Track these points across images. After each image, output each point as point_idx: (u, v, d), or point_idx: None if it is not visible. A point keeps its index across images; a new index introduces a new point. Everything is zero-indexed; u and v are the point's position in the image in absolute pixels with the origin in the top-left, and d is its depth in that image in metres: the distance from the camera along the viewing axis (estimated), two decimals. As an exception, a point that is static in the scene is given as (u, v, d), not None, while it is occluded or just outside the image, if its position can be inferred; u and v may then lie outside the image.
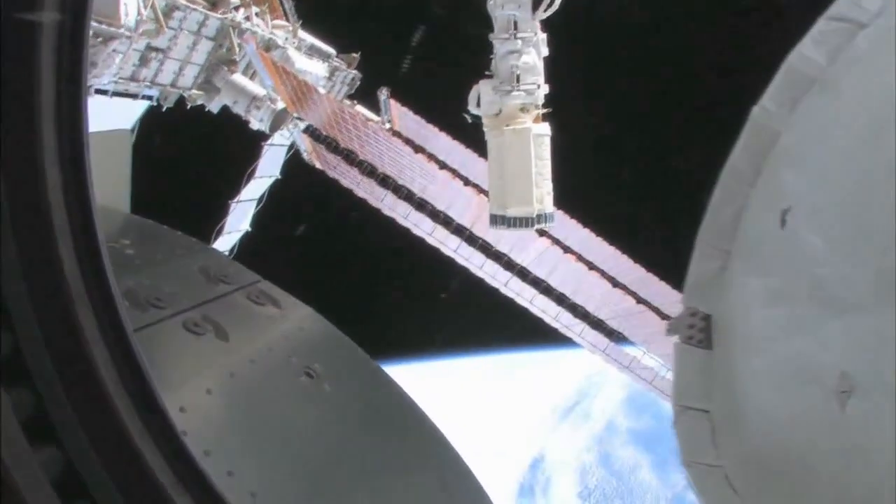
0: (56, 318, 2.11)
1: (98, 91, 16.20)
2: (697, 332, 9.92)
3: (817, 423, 5.30)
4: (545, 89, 13.24)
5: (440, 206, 21.10)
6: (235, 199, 21.81)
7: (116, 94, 16.95)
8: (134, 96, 17.71)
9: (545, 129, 12.94)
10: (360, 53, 26.17)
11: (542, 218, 12.63)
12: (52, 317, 2.10)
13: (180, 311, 4.10)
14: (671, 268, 23.55)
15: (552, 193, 13.00)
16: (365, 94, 25.79)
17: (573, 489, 74.44)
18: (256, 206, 23.25)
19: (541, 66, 13.20)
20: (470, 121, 13.49)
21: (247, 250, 22.84)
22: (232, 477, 3.20)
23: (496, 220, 12.81)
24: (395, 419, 4.97)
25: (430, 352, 75.66)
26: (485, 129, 13.20)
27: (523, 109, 12.89)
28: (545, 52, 13.32)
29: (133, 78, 16.98)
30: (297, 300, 5.21)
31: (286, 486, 3.57)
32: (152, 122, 18.77)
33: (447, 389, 79.38)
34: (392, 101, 24.33)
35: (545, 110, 13.17)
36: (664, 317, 21.25)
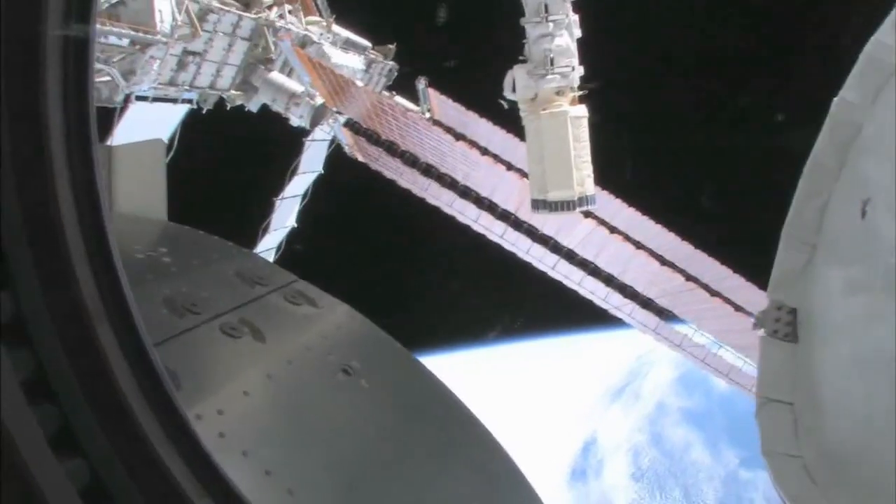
0: (75, 335, 2.15)
1: (139, 98, 16.40)
2: (784, 326, 9.82)
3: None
4: (580, 71, 13.16)
5: (484, 193, 21.08)
6: (280, 197, 21.96)
7: (157, 99, 17.13)
8: (174, 101, 17.89)
9: (582, 111, 12.87)
10: (395, 44, 26.16)
11: (583, 200, 12.57)
12: (71, 334, 2.14)
13: (217, 315, 4.14)
14: (719, 244, 23.40)
15: (592, 175, 12.94)
16: (403, 85, 25.80)
17: (626, 470, 74.14)
18: (301, 202, 23.39)
19: (574, 47, 13.12)
20: (506, 107, 13.46)
21: (294, 246, 23.05)
22: (269, 476, 3.24)
23: (538, 204, 12.78)
24: (433, 412, 4.98)
25: (484, 339, 75.81)
26: (521, 114, 13.15)
27: (559, 93, 12.82)
28: (578, 33, 13.23)
29: (172, 83, 17.17)
30: (335, 298, 5.24)
31: (324, 482, 3.61)
32: (194, 126, 18.93)
33: (500, 376, 79.56)
34: (431, 90, 24.34)
35: (581, 92, 13.12)
36: (713, 293, 21.11)
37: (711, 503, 71.03)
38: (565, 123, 12.62)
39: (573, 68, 13.05)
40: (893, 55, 8.93)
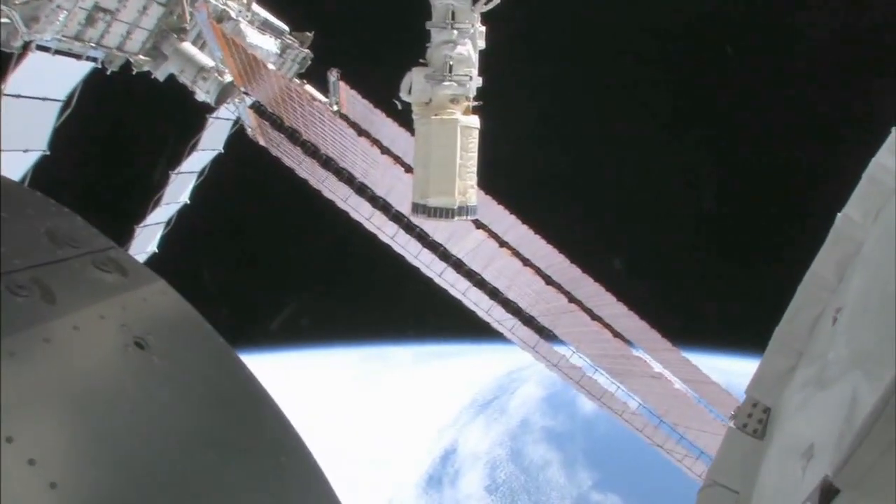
0: None
1: (40, 47, 15.96)
2: (754, 422, 10.13)
3: (791, 493, 5.40)
4: (478, 82, 13.20)
5: (380, 192, 21.06)
6: (176, 171, 21.60)
7: (59, 52, 16.69)
8: (78, 57, 17.43)
9: (474, 121, 12.88)
10: (313, 33, 25.92)
11: (463, 210, 12.58)
12: None
13: (9, 272, 3.99)
14: (606, 270, 23.71)
15: (476, 187, 12.98)
16: (316, 75, 25.61)
17: (481, 482, 75.06)
18: (197, 179, 23.05)
19: (476, 58, 13.14)
20: (400, 107, 13.44)
21: (183, 223, 22.68)
22: (33, 466, 3.08)
23: (417, 208, 12.76)
24: (231, 401, 4.87)
25: (361, 338, 75.94)
26: (414, 116, 13.12)
27: (454, 100, 12.83)
28: (482, 45, 13.27)
29: (78, 37, 16.71)
30: (152, 272, 5.10)
31: (94, 470, 3.46)
32: (95, 85, 18.50)
33: (374, 377, 79.88)
34: (342, 84, 24.19)
35: (476, 103, 13.14)
36: (594, 317, 21.37)
37: (560, 522, 72.15)
38: (455, 131, 12.64)
39: (471, 78, 13.09)
40: (892, 177, 9.25)
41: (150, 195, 21.11)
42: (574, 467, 76.53)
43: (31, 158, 17.12)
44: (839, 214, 10.29)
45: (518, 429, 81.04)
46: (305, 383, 75.26)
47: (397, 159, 21.63)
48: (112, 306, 4.33)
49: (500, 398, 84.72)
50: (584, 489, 74.70)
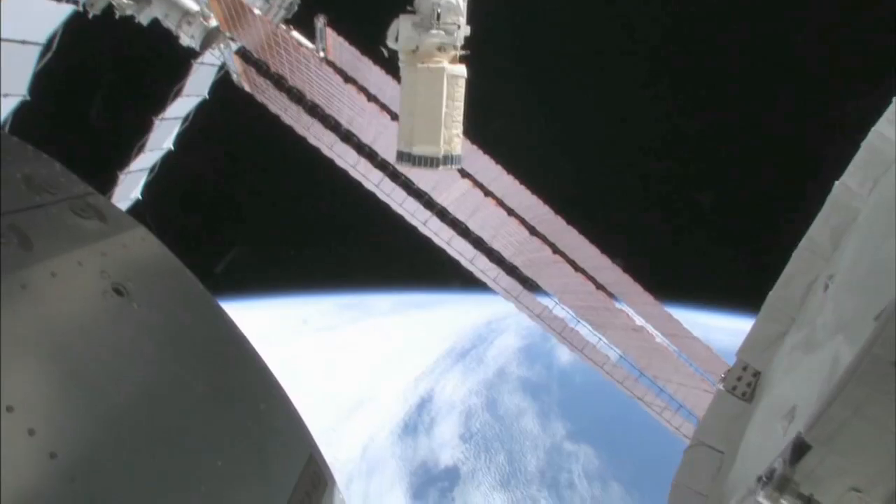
0: None
1: (19, -12, 15.71)
2: (743, 385, 10.28)
3: (772, 453, 5.47)
4: (466, 31, 13.09)
5: (366, 140, 21.01)
6: (160, 117, 21.40)
7: (39, -7, 16.47)
8: (57, -1, 17.19)
9: (461, 70, 12.81)
10: (301, -23, 25.62)
11: (448, 159, 12.55)
12: None
13: (-19, 220, 3.96)
14: (592, 222, 23.73)
15: (462, 136, 12.94)
16: (303, 21, 25.35)
17: (456, 430, 75.78)
18: (181, 125, 22.85)
19: (464, 6, 13.04)
20: (387, 55, 13.32)
21: (168, 170, 22.50)
22: (11, 413, 3.07)
23: (402, 156, 12.73)
24: (211, 348, 4.88)
25: (342, 286, 76.15)
26: (400, 64, 13.02)
27: (441, 49, 12.72)
28: (472, -7, 13.19)
29: (59, -21, 16.49)
30: (132, 218, 5.07)
31: (72, 416, 3.46)
32: (76, 29, 18.25)
33: (354, 324, 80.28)
34: (329, 30, 23.97)
35: (464, 52, 13.05)
36: (578, 269, 21.44)
37: (532, 470, 72.95)
38: (441, 80, 12.57)
39: (459, 27, 12.98)
40: (892, 147, 9.25)
41: (133, 142, 20.95)
42: (548, 417, 77.35)
43: (11, 104, 16.91)
44: (836, 182, 10.36)
45: (494, 378, 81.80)
46: (286, 330, 75.60)
47: (384, 107, 21.51)
48: (91, 253, 4.32)
49: (478, 348, 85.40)
50: (558, 439, 75.59)
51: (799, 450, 4.75)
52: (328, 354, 76.85)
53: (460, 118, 12.98)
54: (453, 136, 12.76)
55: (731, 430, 9.04)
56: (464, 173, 20.41)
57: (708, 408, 10.74)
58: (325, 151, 21.40)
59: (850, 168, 10.21)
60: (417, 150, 12.60)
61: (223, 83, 22.96)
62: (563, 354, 77.75)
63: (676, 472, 10.20)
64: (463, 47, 13.13)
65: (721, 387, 10.73)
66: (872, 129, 10.15)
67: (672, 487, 10.10)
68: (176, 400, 4.11)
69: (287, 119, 21.87)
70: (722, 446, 9.39)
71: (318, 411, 65.94)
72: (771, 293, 10.68)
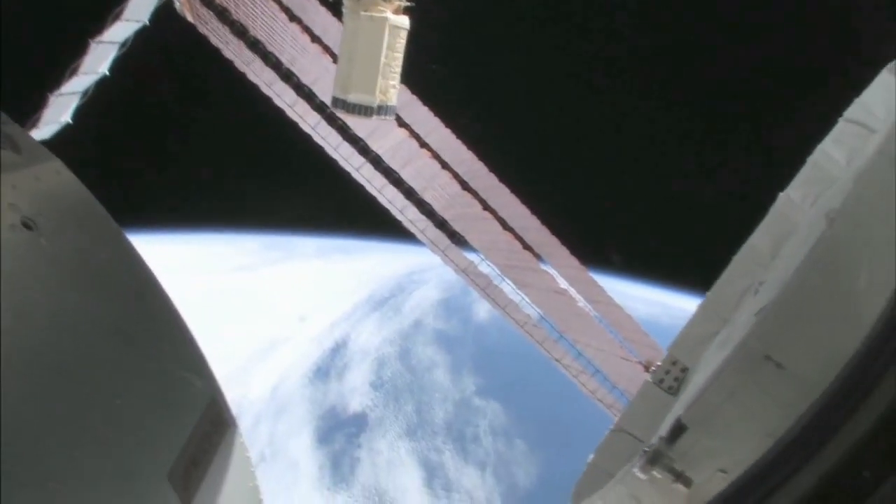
0: None
1: None
2: (671, 380, 10.51)
3: None
4: (411, -19, 13.11)
5: (306, 81, 20.84)
6: (97, 39, 20.92)
7: None
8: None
9: (403, 21, 12.84)
10: None
11: (382, 109, 12.62)
12: None
13: None
14: (525, 182, 23.87)
15: (398, 88, 12.99)
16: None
17: (367, 378, 76.23)
18: (119, 50, 22.36)
19: (407, -43, 13.06)
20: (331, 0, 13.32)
21: (100, 97, 22.02)
22: None
23: (336, 102, 12.77)
24: (119, 287, 4.91)
25: (266, 225, 75.82)
26: (343, 10, 13.02)
27: (386, -1, 12.76)
28: (417, -57, 13.16)
29: None
30: (47, 150, 5.04)
31: None
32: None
33: (276, 265, 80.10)
34: (277, -34, 23.68)
35: (408, 3, 13.05)
36: (507, 228, 21.65)
37: (438, 422, 73.79)
38: (382, 29, 12.59)
39: (405, -23, 12.99)
40: (836, 166, 9.48)
41: (66, 64, 20.46)
42: (460, 371, 78.02)
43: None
44: (780, 194, 10.73)
45: (410, 329, 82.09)
46: (205, 268, 75.07)
47: (327, 49, 21.35)
48: (3, 185, 4.30)
49: (397, 297, 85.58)
50: (467, 394, 76.31)
51: (677, 430, 5.00)
52: (244, 294, 76.53)
53: (399, 69, 13.03)
54: (390, 87, 12.82)
55: (653, 420, 9.31)
56: (401, 123, 20.40)
57: (634, 397, 11.05)
58: (264, 89, 21.19)
59: (795, 182, 10.59)
60: (353, 97, 12.64)
61: (165, 11, 22.54)
62: (482, 311, 78.43)
63: (594, 453, 10.52)
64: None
65: (650, 379, 11.06)
66: (819, 146, 10.51)
67: (588, 466, 10.42)
68: (77, 337, 4.13)
69: (228, 53, 21.58)
70: (642, 436, 9.67)
71: (231, 350, 65.77)
72: (708, 294, 11.02)
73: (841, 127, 10.17)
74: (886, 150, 6.87)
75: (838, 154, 9.60)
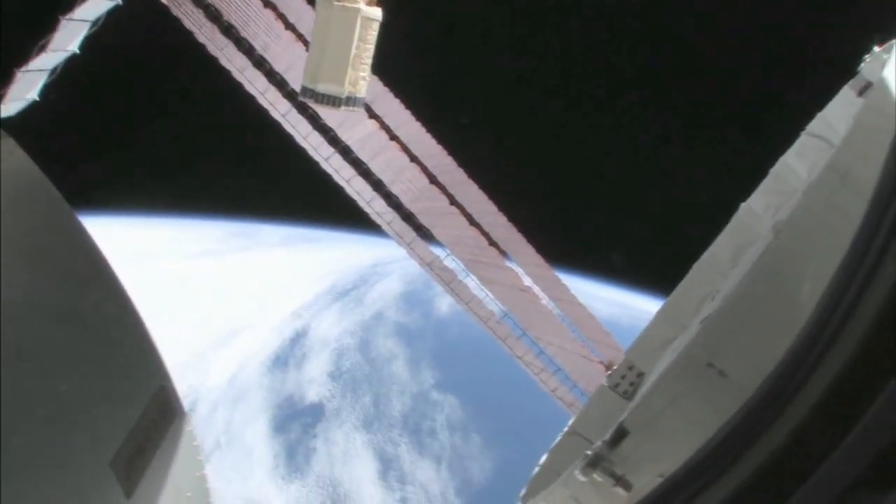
0: None
1: None
2: (626, 384, 10.53)
3: None
4: (385, -26, 13.05)
5: (278, 67, 20.73)
6: (67, 16, 20.67)
7: None
8: None
9: (376, 13, 12.78)
10: None
11: (350, 100, 12.57)
12: None
13: None
14: (493, 178, 23.88)
15: (368, 80, 12.94)
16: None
17: (326, 368, 76.27)
18: (90, 29, 22.09)
19: (386, -52, 13.00)
20: (305, -11, 13.25)
21: (68, 74, 21.75)
22: None
23: (305, 91, 12.70)
24: (68, 271, 4.87)
25: (239, 213, 75.62)
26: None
27: (359, -11, 12.69)
28: (394, -66, 13.11)
29: None
30: (2, 131, 5.00)
31: None
32: None
33: (239, 252, 79.95)
34: (253, -49, 23.53)
35: (382, -5, 13.01)
36: (473, 223, 21.66)
37: (395, 415, 73.94)
38: (355, 20, 12.53)
39: (379, -31, 12.94)
40: (796, 178, 9.55)
41: (35, 39, 20.19)
42: (419, 365, 78.21)
43: None
44: (742, 204, 10.82)
45: (371, 321, 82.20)
46: (169, 253, 74.83)
47: (301, 37, 21.26)
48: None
49: (360, 289, 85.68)
50: (425, 387, 76.52)
51: (619, 434, 5.03)
52: (206, 281, 76.29)
53: (369, 61, 12.98)
54: (359, 78, 12.77)
55: (607, 424, 9.38)
56: (372, 114, 20.35)
57: (588, 401, 11.09)
58: (235, 75, 21.05)
59: (757, 192, 10.69)
60: (322, 87, 12.58)
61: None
62: (443, 305, 78.73)
63: (547, 454, 10.56)
64: (381, -9, 13.10)
65: (605, 383, 11.10)
66: (781, 158, 10.61)
67: (540, 467, 10.46)
68: (22, 319, 4.10)
69: (200, 37, 21.39)
70: (595, 439, 9.73)
71: (191, 336, 65.55)
72: (668, 300, 11.08)
73: (803, 140, 10.28)
74: (835, 165, 6.94)
75: (800, 167, 9.71)
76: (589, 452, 5.24)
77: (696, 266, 10.67)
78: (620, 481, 5.09)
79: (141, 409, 4.84)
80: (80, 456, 4.29)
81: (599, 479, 5.19)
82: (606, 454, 5.08)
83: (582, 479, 5.22)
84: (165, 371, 5.26)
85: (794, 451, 3.58)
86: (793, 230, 6.50)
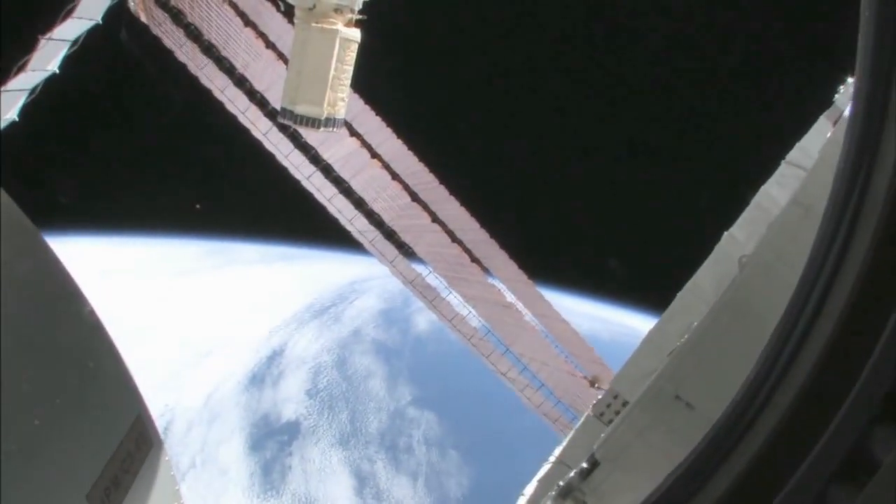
0: None
1: None
2: (611, 413, 10.52)
3: None
4: (365, -5, 13.06)
5: (259, 87, 20.73)
6: (47, 36, 20.61)
7: None
8: None
9: (355, 34, 12.79)
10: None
11: (329, 122, 12.57)
12: None
13: None
14: (475, 195, 23.95)
15: (347, 101, 12.94)
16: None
17: (302, 386, 76.07)
18: (69, 48, 22.01)
19: (364, -30, 13.01)
20: (283, 9, 13.24)
21: (48, 94, 21.62)
22: None
23: (284, 113, 12.70)
24: (42, 300, 4.83)
25: (217, 232, 75.51)
26: (296, 20, 12.95)
27: (338, 10, 12.68)
28: (372, -43, 13.13)
29: None
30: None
31: None
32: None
33: (216, 270, 79.71)
34: (233, -31, 23.51)
35: (361, 17, 13.00)
36: (455, 240, 21.70)
37: (372, 432, 73.79)
38: (333, 41, 12.53)
39: (358, -10, 12.94)
40: (776, 206, 9.59)
41: (15, 59, 20.09)
42: (396, 382, 78.15)
43: None
44: (725, 233, 10.89)
45: (349, 338, 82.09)
46: (146, 272, 74.64)
47: (281, 56, 21.27)
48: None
49: (338, 306, 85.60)
50: (402, 404, 76.45)
51: (591, 465, 5.06)
52: (186, 299, 76.03)
53: (348, 81, 12.99)
54: (338, 100, 12.77)
55: (588, 450, 9.45)
56: (352, 132, 20.37)
57: (574, 430, 11.08)
58: (216, 94, 21.03)
59: (740, 221, 10.76)
60: (300, 109, 12.57)
61: (120, 10, 22.25)
62: (421, 322, 78.74)
63: (534, 486, 10.58)
64: (361, 11, 13.10)
65: (591, 412, 11.10)
66: (762, 187, 10.68)
67: (522, 496, 10.48)
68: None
69: (181, 56, 21.39)
70: (576, 465, 9.76)
71: (167, 356, 65.34)
72: (651, 329, 11.10)
73: (783, 169, 10.36)
74: (799, 199, 7.00)
75: (780, 195, 9.78)
76: (561, 483, 5.28)
77: (680, 295, 10.72)
78: (590, 512, 5.14)
79: (118, 440, 4.79)
80: (56, 490, 4.25)
81: (571, 510, 5.23)
82: (577, 484, 5.13)
83: (554, 509, 5.26)
84: (141, 399, 5.21)
85: (754, 478, 3.65)
86: (756, 264, 6.57)
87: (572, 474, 5.16)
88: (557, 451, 10.95)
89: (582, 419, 10.66)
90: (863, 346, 3.55)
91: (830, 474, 3.24)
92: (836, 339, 3.82)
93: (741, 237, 10.29)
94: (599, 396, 11.20)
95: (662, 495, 3.90)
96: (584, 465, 5.10)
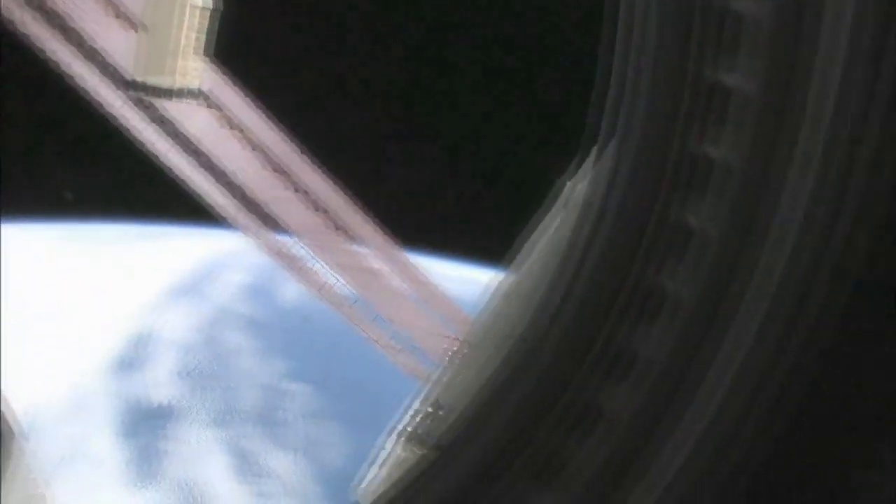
0: None
1: None
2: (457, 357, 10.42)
3: None
4: (217, -40, 12.79)
5: (110, 59, 20.08)
6: None
7: None
8: None
9: (206, 1, 12.52)
10: None
11: (183, 92, 12.31)
12: None
13: None
14: (339, 162, 23.83)
15: (201, 70, 12.68)
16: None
17: (172, 367, 74.99)
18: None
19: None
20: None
21: None
22: None
23: (135, 85, 12.40)
24: None
25: (72, 213, 73.33)
26: (145, -13, 12.61)
27: (188, -24, 12.40)
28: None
29: None
30: None
31: None
32: None
33: (75, 255, 77.57)
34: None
35: (212, -17, 12.74)
36: (319, 208, 21.63)
37: (248, 409, 73.42)
38: (183, 8, 12.26)
39: (210, -46, 12.68)
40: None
41: None
42: (268, 356, 77.41)
43: None
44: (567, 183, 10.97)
45: (217, 315, 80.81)
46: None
47: (133, 26, 20.64)
48: None
49: (202, 283, 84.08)
50: (276, 378, 75.86)
51: (434, 409, 5.21)
52: (41, 286, 73.55)
53: (201, 50, 12.72)
54: (191, 69, 12.50)
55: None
56: (211, 104, 19.98)
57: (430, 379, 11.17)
58: (64, 67, 20.28)
59: (579, 173, 10.90)
60: (151, 79, 12.28)
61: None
62: (289, 294, 77.84)
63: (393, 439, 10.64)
64: (212, -22, 12.85)
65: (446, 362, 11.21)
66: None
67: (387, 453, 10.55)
68: None
69: (22, 27, 20.52)
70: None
71: (26, 349, 63.27)
72: (499, 280, 11.24)
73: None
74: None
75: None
76: (409, 428, 5.42)
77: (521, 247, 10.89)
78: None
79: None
80: None
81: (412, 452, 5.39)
82: (424, 428, 5.28)
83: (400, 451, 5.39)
84: (-1, 393, 5.01)
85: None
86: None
87: (418, 419, 5.29)
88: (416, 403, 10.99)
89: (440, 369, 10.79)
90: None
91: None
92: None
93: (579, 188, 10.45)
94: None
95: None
96: (429, 408, 5.22)
